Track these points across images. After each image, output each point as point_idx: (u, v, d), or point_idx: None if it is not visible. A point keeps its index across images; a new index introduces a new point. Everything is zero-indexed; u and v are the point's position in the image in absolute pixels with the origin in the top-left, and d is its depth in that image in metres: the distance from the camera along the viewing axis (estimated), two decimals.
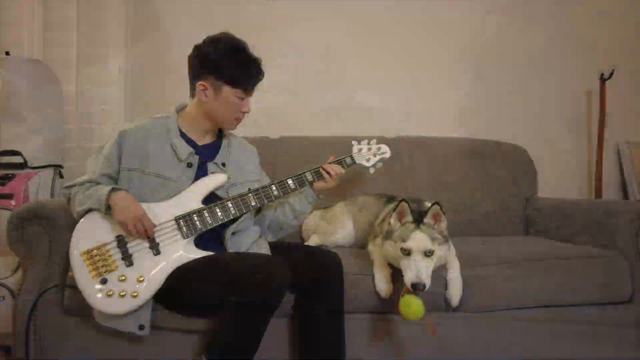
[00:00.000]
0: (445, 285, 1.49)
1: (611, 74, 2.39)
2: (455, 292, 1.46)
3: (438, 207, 1.37)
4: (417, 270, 1.29)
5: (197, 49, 1.45)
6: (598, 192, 2.41)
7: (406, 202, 1.40)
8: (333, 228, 1.85)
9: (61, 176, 2.16)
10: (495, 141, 2.31)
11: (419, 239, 1.33)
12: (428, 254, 1.33)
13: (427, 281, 1.30)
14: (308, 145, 2.18)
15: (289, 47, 2.46)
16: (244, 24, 2.24)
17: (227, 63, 1.40)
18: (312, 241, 1.85)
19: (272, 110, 2.44)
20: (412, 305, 1.29)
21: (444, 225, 1.41)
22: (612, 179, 2.54)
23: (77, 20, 2.39)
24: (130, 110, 2.47)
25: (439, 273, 1.47)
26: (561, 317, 1.57)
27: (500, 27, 2.53)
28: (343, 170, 1.58)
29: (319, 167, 1.56)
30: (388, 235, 1.43)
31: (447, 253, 1.44)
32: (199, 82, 1.43)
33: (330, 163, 1.59)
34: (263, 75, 1.49)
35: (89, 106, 2.43)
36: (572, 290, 1.57)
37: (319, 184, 1.58)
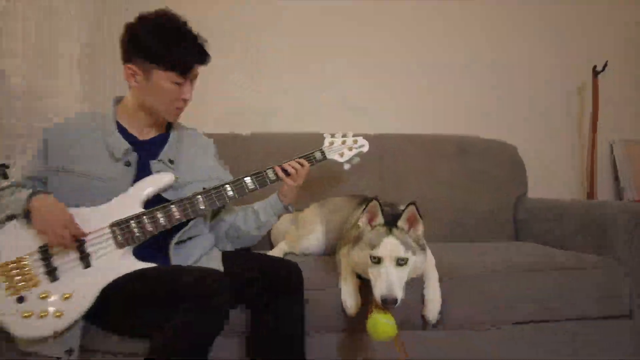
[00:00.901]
0: (422, 300, 1.32)
1: (604, 67, 2.24)
2: (432, 307, 1.29)
3: (414, 209, 1.19)
4: (388, 281, 1.12)
5: (127, 27, 1.25)
6: (591, 193, 2.28)
7: (377, 200, 1.22)
8: (302, 233, 1.67)
9: (5, 177, 1.94)
10: (483, 138, 2.17)
11: (390, 246, 1.16)
12: (401, 262, 1.16)
13: (400, 294, 1.12)
14: (281, 143, 1.99)
15: (280, 42, 2.29)
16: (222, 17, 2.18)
17: (155, 42, 1.21)
18: (280, 248, 1.67)
19: (246, 103, 2.28)
20: (379, 324, 1.12)
21: (420, 230, 1.23)
22: (605, 178, 2.41)
23: (25, 6, 2.18)
24: (86, 105, 2.27)
25: (415, 286, 1.30)
26: (554, 333, 1.41)
27: (489, 22, 2.38)
28: (307, 164, 1.40)
29: (276, 165, 1.39)
30: (356, 240, 1.25)
31: (424, 262, 1.26)
32: (127, 65, 1.24)
33: (295, 159, 1.42)
34: (205, 57, 1.29)
35: (39, 100, 2.22)
36: (566, 303, 1.42)
37: (283, 188, 1.40)
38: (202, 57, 1.28)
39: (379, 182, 1.96)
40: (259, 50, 2.25)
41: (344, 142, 1.50)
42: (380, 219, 1.22)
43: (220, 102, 2.27)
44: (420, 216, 1.21)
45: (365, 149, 1.53)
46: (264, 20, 2.27)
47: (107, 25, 2.29)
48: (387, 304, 1.10)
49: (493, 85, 2.39)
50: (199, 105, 2.12)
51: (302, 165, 1.40)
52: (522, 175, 2.12)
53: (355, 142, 1.52)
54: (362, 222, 1.25)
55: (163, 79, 1.23)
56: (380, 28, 2.34)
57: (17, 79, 2.15)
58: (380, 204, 1.22)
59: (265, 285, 1.22)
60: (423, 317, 1.31)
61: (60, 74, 2.22)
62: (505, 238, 2.01)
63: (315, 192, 1.90)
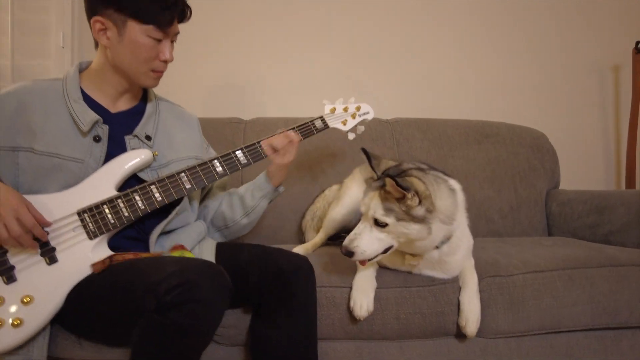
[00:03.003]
0: (458, 309, 1.11)
1: None
2: (470, 317, 1.09)
3: (390, 182, 0.97)
4: (355, 234, 1.02)
5: None
6: (630, 185, 2.04)
7: (366, 153, 1.09)
8: (333, 205, 1.48)
9: None
10: (509, 124, 1.96)
11: (369, 200, 1.02)
12: (379, 223, 1.01)
13: (361, 250, 1.00)
14: (286, 127, 1.79)
15: (284, 26, 2.11)
16: None
17: None
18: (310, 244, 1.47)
19: (247, 87, 2.10)
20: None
21: (410, 203, 0.99)
22: None
23: None
24: None
25: (448, 295, 1.12)
26: (611, 344, 1.19)
27: None
28: (296, 139, 1.20)
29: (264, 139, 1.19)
30: None
31: (429, 235, 1.01)
32: (95, 18, 1.03)
33: (288, 130, 1.21)
34: (187, 10, 1.09)
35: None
36: (625, 308, 1.18)
37: (270, 166, 1.21)
38: (186, 10, 1.08)
39: None
40: (260, 34, 2.10)
41: (346, 110, 1.32)
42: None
43: (213, 85, 2.10)
44: (405, 189, 0.97)
45: (370, 116, 1.35)
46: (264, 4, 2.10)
47: None
48: (345, 254, 1.01)
49: (517, 66, 2.17)
50: (187, 89, 2.04)
51: (290, 139, 1.18)
52: (554, 163, 1.91)
53: (359, 108, 1.33)
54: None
55: (139, 33, 1.02)
56: (394, 4, 2.13)
57: (4, 59, 1.99)
58: (370, 159, 1.08)
59: (265, 284, 1.01)
60: (458, 325, 1.11)
61: (48, 54, 2.03)
62: (535, 235, 1.80)
63: (317, 175, 1.72)
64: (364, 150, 1.08)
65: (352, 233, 1.02)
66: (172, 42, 1.09)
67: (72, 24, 2.09)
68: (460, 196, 1.08)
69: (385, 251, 1.03)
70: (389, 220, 0.99)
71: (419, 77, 2.15)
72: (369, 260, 1.03)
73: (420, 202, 0.98)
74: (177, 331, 0.81)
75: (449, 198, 1.03)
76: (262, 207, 1.23)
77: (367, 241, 1.00)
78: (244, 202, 1.22)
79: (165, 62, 1.09)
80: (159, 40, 1.05)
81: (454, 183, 1.09)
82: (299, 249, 1.44)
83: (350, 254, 1.00)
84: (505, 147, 1.87)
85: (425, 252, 1.07)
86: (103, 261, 0.96)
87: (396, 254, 1.11)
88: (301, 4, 2.11)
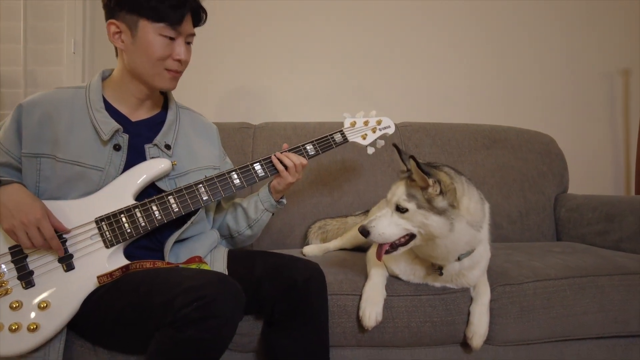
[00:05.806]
0: (467, 318, 1.12)
1: None
2: (478, 332, 1.09)
3: (412, 164, 0.99)
4: (376, 217, 1.03)
5: None
6: (639, 190, 2.03)
7: (397, 148, 1.11)
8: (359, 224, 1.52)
9: None
10: (517, 129, 1.96)
11: (395, 189, 1.05)
12: (400, 209, 1.02)
13: (378, 232, 1.01)
14: (295, 132, 1.82)
15: (282, 21, 2.12)
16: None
17: None
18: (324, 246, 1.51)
19: (257, 93, 2.13)
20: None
21: (432, 190, 1.00)
22: None
23: None
24: None
25: (458, 304, 1.13)
26: (622, 352, 1.19)
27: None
28: (305, 161, 1.20)
29: (273, 155, 1.19)
30: None
31: (444, 229, 1.00)
32: (110, 21, 1.05)
33: (307, 144, 1.21)
34: (201, 12, 1.10)
35: (37, 90, 2.07)
36: (635, 317, 1.18)
37: (274, 182, 1.21)
38: (198, 11, 1.08)
39: (394, 177, 1.77)
40: (270, 41, 2.11)
41: (366, 123, 1.31)
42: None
43: (223, 91, 2.12)
44: (427, 174, 0.98)
45: (391, 130, 1.34)
46: (271, 9, 2.12)
47: None
48: (361, 232, 1.03)
49: (526, 71, 2.17)
50: (201, 94, 2.06)
51: (301, 161, 1.18)
52: (563, 169, 1.90)
53: (379, 122, 1.32)
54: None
55: (151, 32, 1.03)
56: (402, 9, 2.14)
57: (17, 66, 2.01)
58: (400, 152, 1.10)
59: (277, 293, 1.03)
60: (465, 336, 1.12)
61: (60, 61, 2.06)
62: (543, 240, 1.79)
63: (333, 189, 1.73)
64: (395, 145, 1.10)
65: (373, 216, 1.04)
66: (188, 43, 1.10)
67: (83, 31, 2.12)
68: (488, 210, 1.08)
69: (407, 242, 1.03)
70: (410, 205, 0.99)
71: (428, 82, 2.16)
72: (389, 251, 1.02)
73: (442, 192, 0.98)
74: (193, 346, 0.82)
75: (478, 203, 1.04)
76: (264, 220, 1.25)
77: (385, 224, 1.01)
78: (248, 215, 1.23)
79: (180, 61, 1.08)
80: (172, 39, 1.05)
81: (485, 200, 1.10)
82: (310, 248, 1.47)
83: (366, 232, 1.01)
84: (514, 153, 1.86)
85: (448, 258, 1.06)
86: (110, 274, 0.97)
87: (410, 260, 1.12)
88: (310, 13, 2.12)
